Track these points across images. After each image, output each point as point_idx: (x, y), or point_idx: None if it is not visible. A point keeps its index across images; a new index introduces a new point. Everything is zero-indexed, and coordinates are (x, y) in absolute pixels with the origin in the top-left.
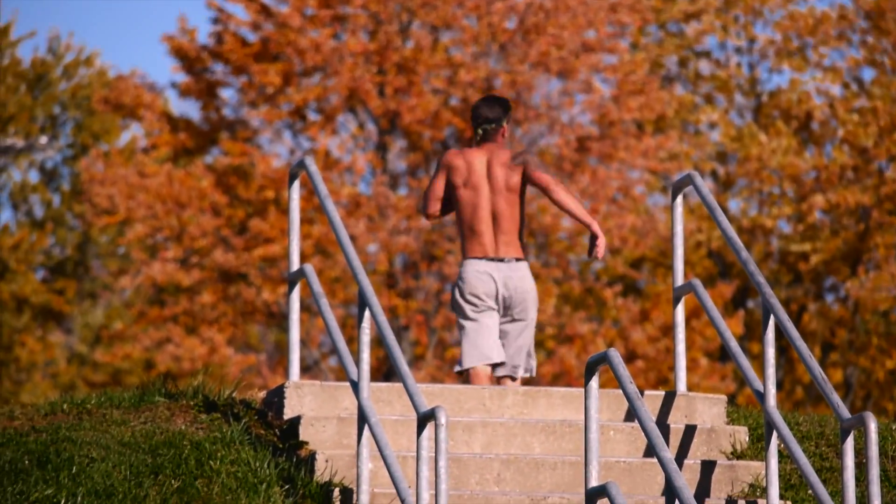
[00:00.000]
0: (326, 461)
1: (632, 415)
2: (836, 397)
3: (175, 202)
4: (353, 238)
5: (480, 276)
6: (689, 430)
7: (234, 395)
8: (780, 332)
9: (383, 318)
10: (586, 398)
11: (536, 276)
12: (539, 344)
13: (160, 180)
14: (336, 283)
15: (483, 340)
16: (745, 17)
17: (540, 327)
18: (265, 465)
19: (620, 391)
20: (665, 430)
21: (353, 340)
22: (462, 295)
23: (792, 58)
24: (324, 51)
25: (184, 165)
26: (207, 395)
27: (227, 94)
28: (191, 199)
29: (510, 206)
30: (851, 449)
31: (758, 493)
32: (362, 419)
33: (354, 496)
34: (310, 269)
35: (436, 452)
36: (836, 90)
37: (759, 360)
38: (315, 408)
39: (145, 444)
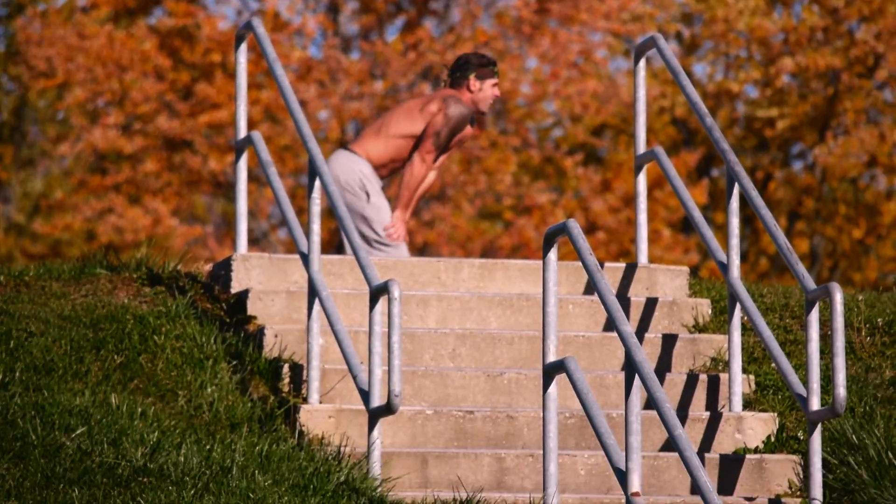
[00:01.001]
0: (275, 336)
1: (591, 288)
2: (801, 268)
3: (116, 65)
4: (302, 104)
5: None
6: (651, 304)
7: (179, 267)
8: (745, 202)
9: (334, 188)
10: (544, 270)
11: (493, 145)
12: (497, 215)
13: (101, 42)
14: (285, 152)
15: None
16: None
17: (497, 197)
18: (211, 341)
19: (580, 263)
20: (625, 303)
21: (303, 212)
22: None
23: None
24: None
25: (125, 26)
26: (151, 267)
27: None
28: (133, 62)
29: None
30: (816, 321)
31: (720, 367)
32: (312, 293)
33: (304, 372)
34: (258, 136)
35: (389, 327)
36: None
37: (723, 230)
38: (263, 281)
39: (86, 317)
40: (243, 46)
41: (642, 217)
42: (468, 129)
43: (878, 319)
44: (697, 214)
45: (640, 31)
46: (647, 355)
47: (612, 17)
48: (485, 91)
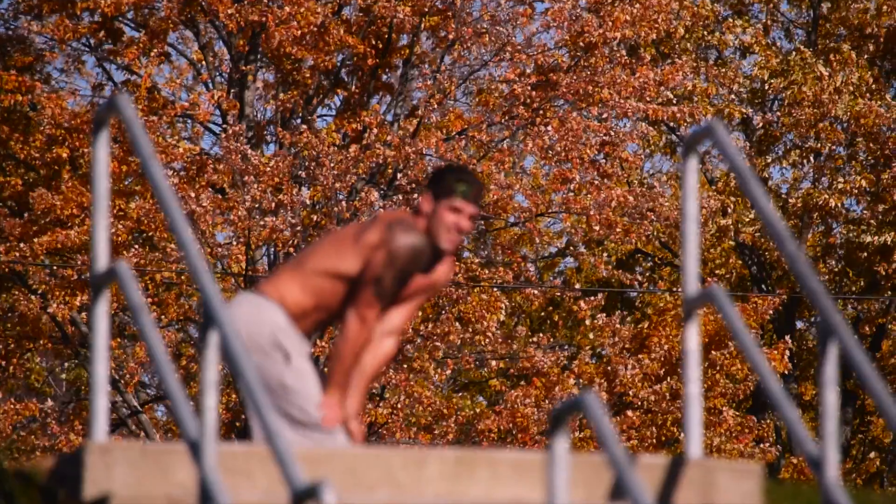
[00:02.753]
0: None
1: (619, 493)
2: None
3: None
4: (194, 219)
5: None
6: None
7: (4, 463)
8: (847, 368)
9: (239, 345)
10: (550, 467)
11: (473, 280)
12: (478, 384)
13: None
14: (166, 290)
15: None
16: None
17: (480, 359)
18: None
19: (601, 457)
20: None
21: (192, 378)
22: None
23: None
24: None
25: None
26: None
27: None
28: None
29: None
30: None
31: None
32: (206, 500)
33: None
34: (124, 268)
35: None
36: None
37: (813, 410)
38: (132, 483)
39: None
40: (105, 135)
41: (694, 389)
42: (442, 272)
43: None
44: (776, 387)
45: (690, 116)
46: None
47: (648, 94)
48: (439, 216)
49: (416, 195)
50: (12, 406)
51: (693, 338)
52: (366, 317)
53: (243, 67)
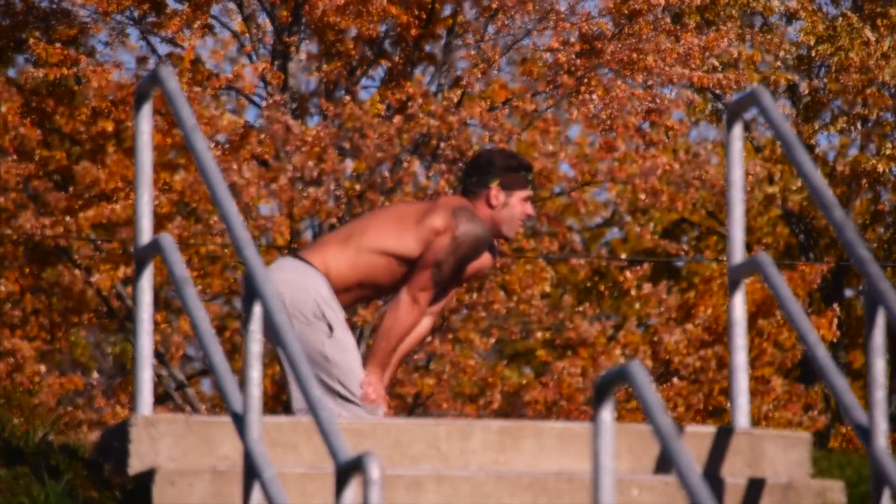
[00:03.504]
0: None
1: (665, 463)
2: None
3: None
4: (237, 191)
5: None
6: (755, 487)
7: (50, 437)
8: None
9: (283, 317)
10: (596, 437)
11: (518, 251)
12: (524, 355)
13: None
14: (211, 263)
15: None
16: None
17: (525, 329)
18: None
19: (647, 426)
20: (718, 486)
21: (237, 351)
22: None
23: None
24: None
25: None
26: (8, 438)
27: None
28: None
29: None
30: None
31: None
32: (251, 473)
33: None
34: (168, 240)
35: None
36: None
37: (862, 379)
38: (177, 456)
39: None
40: (147, 108)
41: (740, 358)
42: (486, 259)
43: None
44: (824, 354)
45: (735, 83)
46: None
47: (693, 61)
48: (512, 207)
49: (459, 164)
50: (57, 380)
51: (739, 307)
52: (419, 299)
53: (286, 39)
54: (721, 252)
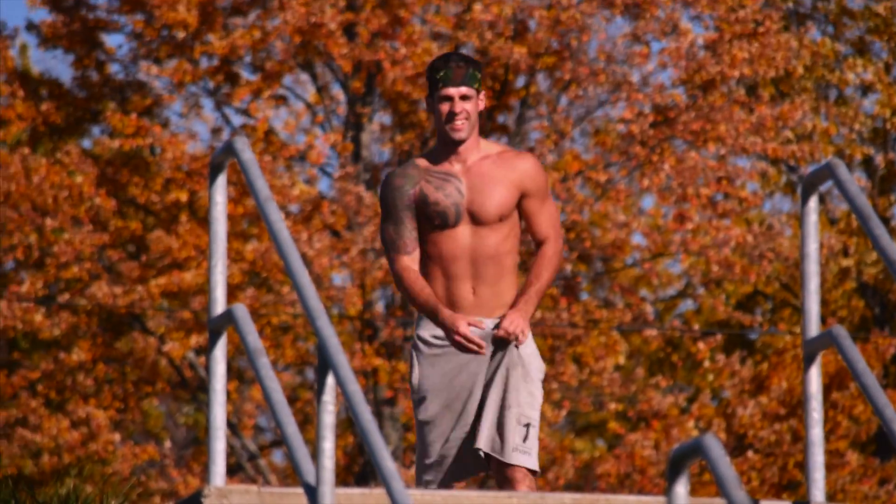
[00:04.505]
0: None
1: None
2: None
3: (35, 206)
4: (307, 262)
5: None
6: None
7: None
8: None
9: (356, 387)
10: None
11: (591, 322)
12: (597, 427)
13: (12, 171)
14: (283, 334)
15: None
16: None
17: (597, 400)
18: None
19: (722, 501)
20: None
21: (309, 421)
22: None
23: None
24: None
25: (48, 150)
26: None
27: (113, 41)
28: (59, 202)
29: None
30: None
31: None
32: None
33: None
34: (242, 311)
35: None
36: None
37: None
38: None
39: None
40: (222, 178)
41: (816, 432)
42: (514, 173)
43: None
44: None
45: (810, 155)
46: None
47: (767, 132)
48: (440, 112)
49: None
50: (131, 450)
51: (815, 380)
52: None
53: (360, 109)
54: (795, 324)
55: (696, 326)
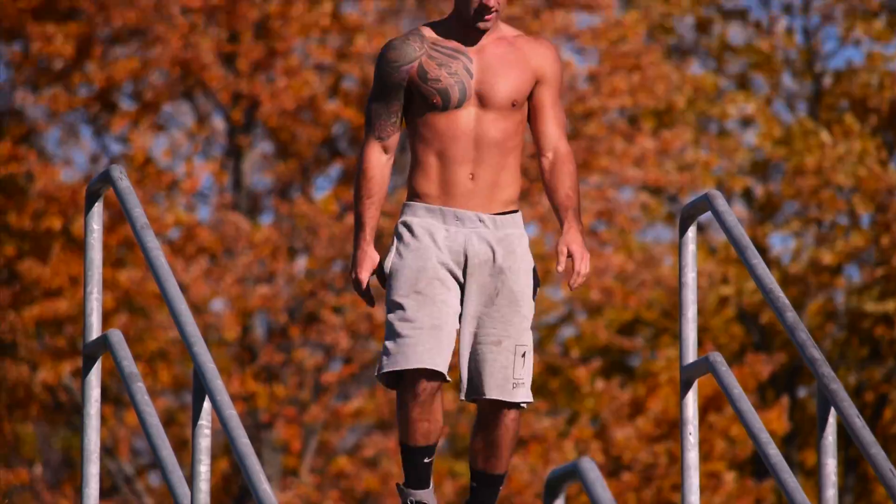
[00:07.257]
0: None
1: None
2: None
3: None
4: (184, 288)
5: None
6: None
7: None
8: (847, 435)
9: (232, 412)
10: None
11: None
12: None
13: None
14: (159, 360)
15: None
16: None
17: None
18: None
19: None
20: None
21: (185, 445)
22: None
23: (869, 21)
24: (142, 4)
25: None
26: None
27: None
28: None
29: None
30: None
31: None
32: None
33: None
34: (117, 336)
35: None
36: None
37: (814, 477)
38: None
39: None
40: (98, 207)
41: (692, 455)
42: (533, 68)
43: None
44: (774, 452)
45: (690, 185)
46: None
47: (648, 163)
48: None
49: None
50: (3, 475)
51: (691, 406)
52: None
53: (241, 140)
54: (673, 350)
55: (577, 352)
